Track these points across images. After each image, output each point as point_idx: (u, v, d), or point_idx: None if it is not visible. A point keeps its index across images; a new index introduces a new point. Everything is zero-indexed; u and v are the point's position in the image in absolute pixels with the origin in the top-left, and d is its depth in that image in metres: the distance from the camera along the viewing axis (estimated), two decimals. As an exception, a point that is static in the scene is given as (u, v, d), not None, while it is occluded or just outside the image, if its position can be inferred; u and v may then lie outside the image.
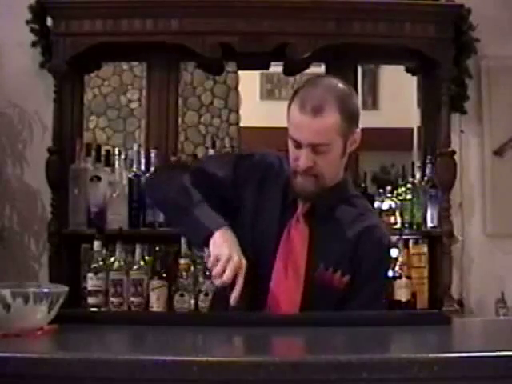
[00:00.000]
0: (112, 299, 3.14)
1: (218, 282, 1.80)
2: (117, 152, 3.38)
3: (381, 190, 3.55)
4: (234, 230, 1.89)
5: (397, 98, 4.35)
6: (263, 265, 1.91)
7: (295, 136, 1.87)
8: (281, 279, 1.90)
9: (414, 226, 3.45)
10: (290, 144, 1.90)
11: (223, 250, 1.80)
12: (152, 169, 3.35)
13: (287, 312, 1.89)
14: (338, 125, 1.85)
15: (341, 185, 1.98)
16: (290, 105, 1.90)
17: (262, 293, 1.89)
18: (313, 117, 1.83)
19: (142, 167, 3.38)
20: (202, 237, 1.87)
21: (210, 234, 1.84)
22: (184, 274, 3.20)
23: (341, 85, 1.92)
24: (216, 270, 1.79)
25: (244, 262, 1.81)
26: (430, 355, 1.32)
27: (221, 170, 1.99)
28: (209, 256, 1.85)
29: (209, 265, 1.84)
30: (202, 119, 4.37)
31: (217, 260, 1.80)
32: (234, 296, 1.78)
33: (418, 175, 3.49)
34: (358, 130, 1.93)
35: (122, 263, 3.19)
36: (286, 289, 1.90)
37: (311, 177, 1.88)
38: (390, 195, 3.52)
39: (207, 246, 1.85)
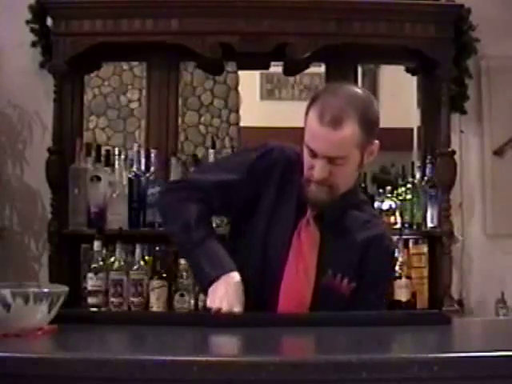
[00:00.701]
0: (112, 299, 3.14)
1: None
2: (117, 152, 3.38)
3: (381, 190, 3.55)
4: (244, 234, 1.92)
5: (397, 98, 4.34)
6: (276, 258, 1.90)
7: (311, 145, 1.83)
8: (292, 280, 1.90)
9: (414, 226, 3.45)
10: (306, 151, 1.85)
11: (222, 303, 1.80)
12: (152, 169, 3.37)
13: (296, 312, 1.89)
14: (356, 137, 1.80)
15: (351, 191, 1.96)
16: (307, 110, 1.84)
17: (273, 289, 1.89)
18: (331, 129, 1.78)
19: (142, 167, 3.38)
20: (204, 285, 1.87)
21: (212, 281, 1.83)
22: (184, 273, 3.19)
23: (362, 93, 1.88)
24: (213, 311, 1.81)
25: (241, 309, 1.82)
26: (429, 355, 1.32)
27: (233, 174, 1.94)
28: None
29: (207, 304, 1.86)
30: (202, 119, 4.36)
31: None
32: None
33: (417, 175, 3.49)
34: (377, 141, 1.89)
35: (122, 263, 3.18)
36: (297, 290, 1.89)
37: (325, 187, 1.85)
38: (389, 195, 3.52)
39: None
